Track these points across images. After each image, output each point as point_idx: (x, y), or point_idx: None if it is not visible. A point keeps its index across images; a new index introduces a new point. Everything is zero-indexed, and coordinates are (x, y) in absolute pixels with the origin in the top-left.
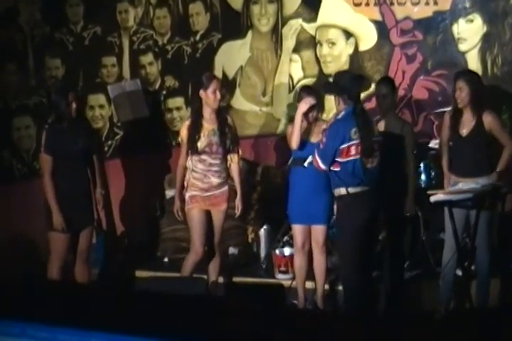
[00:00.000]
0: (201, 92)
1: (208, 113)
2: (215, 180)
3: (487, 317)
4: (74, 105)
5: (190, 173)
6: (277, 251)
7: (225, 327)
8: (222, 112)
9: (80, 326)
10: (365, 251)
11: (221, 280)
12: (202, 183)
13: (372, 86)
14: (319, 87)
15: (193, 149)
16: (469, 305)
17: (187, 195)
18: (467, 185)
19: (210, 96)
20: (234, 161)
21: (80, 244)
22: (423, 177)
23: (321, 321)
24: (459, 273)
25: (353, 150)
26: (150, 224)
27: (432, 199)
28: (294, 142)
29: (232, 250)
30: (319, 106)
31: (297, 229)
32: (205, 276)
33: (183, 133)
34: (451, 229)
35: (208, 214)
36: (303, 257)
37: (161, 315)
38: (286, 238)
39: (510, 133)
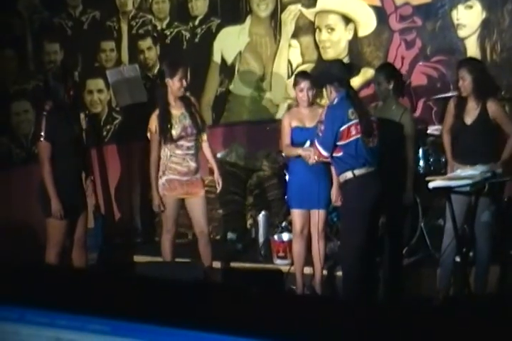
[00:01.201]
0: (167, 80)
1: (172, 100)
2: (192, 164)
3: (485, 304)
4: (71, 92)
5: (168, 159)
6: (276, 237)
7: (221, 313)
8: (185, 95)
9: (79, 311)
10: (370, 235)
11: (219, 265)
12: (181, 167)
13: (371, 72)
14: (314, 74)
15: (167, 138)
16: (467, 292)
17: (164, 179)
18: (466, 171)
19: (176, 84)
20: (203, 139)
21: (78, 230)
22: (422, 163)
23: (319, 306)
24: (459, 259)
25: (353, 131)
26: (148, 209)
27: (431, 185)
28: (286, 154)
29: (230, 235)
30: (315, 91)
31: (296, 214)
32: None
33: (153, 125)
34: (450, 215)
35: (182, 202)
36: (301, 242)
37: (159, 300)
38: (284, 223)
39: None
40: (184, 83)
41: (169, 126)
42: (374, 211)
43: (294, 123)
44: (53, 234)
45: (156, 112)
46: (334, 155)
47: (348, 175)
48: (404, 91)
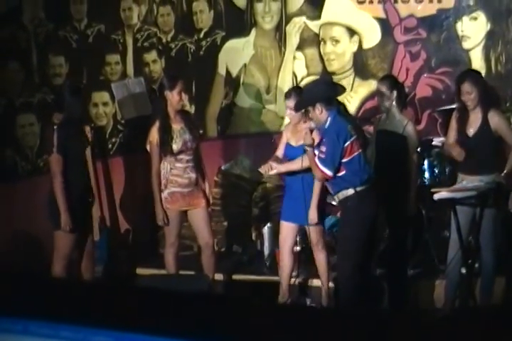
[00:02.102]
0: (166, 93)
1: (172, 113)
2: (193, 176)
3: (491, 316)
4: (82, 108)
5: (169, 172)
6: None
7: (226, 325)
8: (184, 109)
9: (83, 323)
10: (369, 249)
11: (224, 278)
12: (182, 179)
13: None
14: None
15: (167, 151)
16: (473, 304)
17: (166, 192)
18: (471, 182)
19: (175, 98)
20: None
21: (88, 243)
22: (427, 174)
23: (322, 318)
24: (464, 271)
25: (355, 146)
26: (153, 221)
27: (436, 196)
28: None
29: (235, 248)
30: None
31: (282, 226)
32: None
33: (154, 138)
34: (455, 226)
35: (185, 214)
36: (285, 255)
37: (164, 313)
38: None
39: None
40: (183, 96)
41: (170, 139)
42: (374, 224)
43: (287, 139)
44: (61, 246)
45: (157, 125)
46: (339, 174)
47: (350, 191)
48: (406, 103)
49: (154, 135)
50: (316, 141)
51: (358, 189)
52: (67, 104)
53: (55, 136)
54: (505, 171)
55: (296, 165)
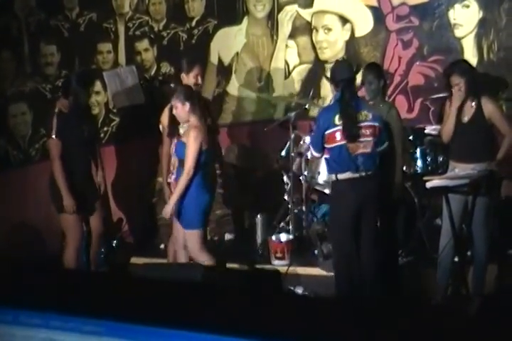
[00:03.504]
0: (182, 75)
1: None
2: None
3: (484, 303)
4: (89, 97)
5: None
6: (274, 238)
7: (220, 314)
8: (201, 95)
9: (74, 313)
10: (352, 238)
11: (217, 266)
12: None
13: None
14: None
15: (174, 133)
16: (465, 292)
17: (172, 178)
18: (463, 170)
19: (191, 80)
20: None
21: (93, 227)
22: (419, 163)
23: (318, 307)
24: (457, 259)
25: (338, 136)
26: (146, 210)
27: (428, 185)
28: None
29: (228, 236)
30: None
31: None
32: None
33: (164, 120)
34: (447, 214)
35: None
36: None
37: (156, 302)
38: (282, 224)
39: (507, 120)
40: (199, 80)
41: (178, 121)
42: (356, 214)
43: None
44: (69, 229)
45: (169, 105)
46: (325, 156)
47: (333, 177)
48: (387, 90)
49: (165, 115)
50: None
51: (339, 177)
52: (73, 92)
53: (54, 121)
54: (497, 159)
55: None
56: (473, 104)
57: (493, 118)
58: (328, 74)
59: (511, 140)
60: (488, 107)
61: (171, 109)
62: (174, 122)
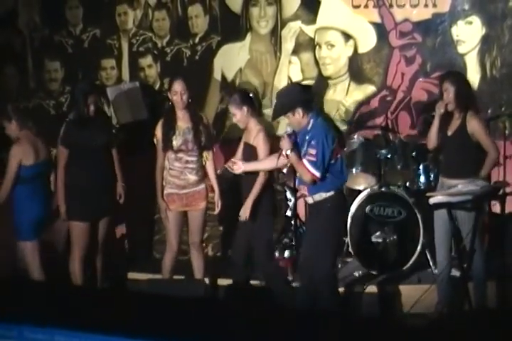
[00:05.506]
0: (168, 93)
1: (180, 112)
2: (191, 177)
3: (484, 319)
4: (92, 107)
5: (168, 172)
6: (277, 253)
7: (220, 329)
8: (196, 111)
9: (78, 328)
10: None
11: (221, 282)
12: (178, 180)
13: (371, 88)
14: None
15: (168, 147)
16: (468, 307)
17: (165, 192)
18: (466, 186)
19: (173, 98)
20: (209, 158)
21: (100, 234)
22: (422, 179)
23: (317, 321)
24: (455, 273)
25: (338, 148)
26: (148, 225)
27: (432, 201)
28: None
29: (230, 252)
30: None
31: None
32: (205, 279)
33: (158, 133)
34: (445, 231)
35: (184, 216)
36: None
37: (158, 317)
38: (285, 240)
39: (508, 135)
40: (179, 97)
41: (171, 134)
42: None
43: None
44: (76, 237)
45: (161, 120)
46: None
47: (330, 193)
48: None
49: (159, 128)
50: (289, 145)
51: (338, 191)
52: (74, 103)
53: (63, 129)
54: (480, 176)
55: (264, 165)
56: (460, 117)
57: (477, 135)
58: None
59: (494, 158)
60: (472, 123)
61: (164, 123)
62: (168, 133)
